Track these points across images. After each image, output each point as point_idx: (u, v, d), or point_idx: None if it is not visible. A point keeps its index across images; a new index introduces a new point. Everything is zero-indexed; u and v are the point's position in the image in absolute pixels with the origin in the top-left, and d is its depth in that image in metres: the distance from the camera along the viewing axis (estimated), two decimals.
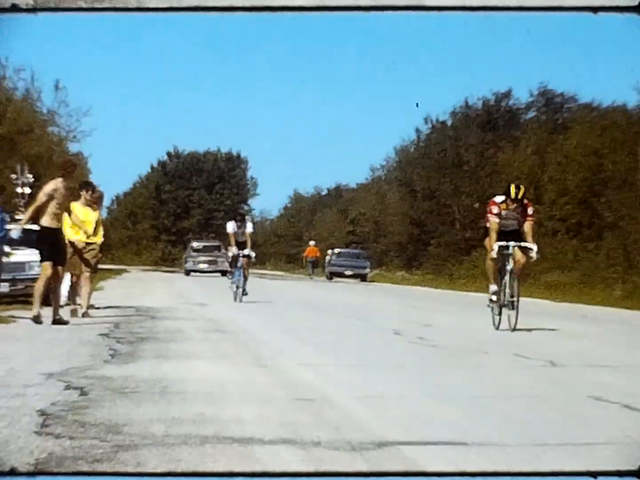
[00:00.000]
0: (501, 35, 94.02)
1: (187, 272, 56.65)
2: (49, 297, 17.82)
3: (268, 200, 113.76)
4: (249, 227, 26.99)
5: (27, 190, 36.94)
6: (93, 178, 43.11)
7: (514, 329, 17.99)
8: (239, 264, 25.86)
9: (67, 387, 9.89)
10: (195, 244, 61.40)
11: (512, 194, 18.32)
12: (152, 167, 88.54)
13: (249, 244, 26.57)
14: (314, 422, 8.17)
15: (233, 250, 26.29)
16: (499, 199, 18.78)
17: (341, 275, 58.99)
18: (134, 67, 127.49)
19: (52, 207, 17.35)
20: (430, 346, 16.12)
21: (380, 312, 26.48)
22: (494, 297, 18.60)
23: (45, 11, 4.34)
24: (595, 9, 4.66)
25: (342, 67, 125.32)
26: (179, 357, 13.21)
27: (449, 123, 64.85)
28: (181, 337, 16.79)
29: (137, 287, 36.76)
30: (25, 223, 18.33)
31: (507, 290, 18.27)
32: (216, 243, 61.79)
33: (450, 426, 8.01)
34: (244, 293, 26.05)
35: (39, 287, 17.86)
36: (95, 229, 20.08)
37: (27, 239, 19.54)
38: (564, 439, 7.72)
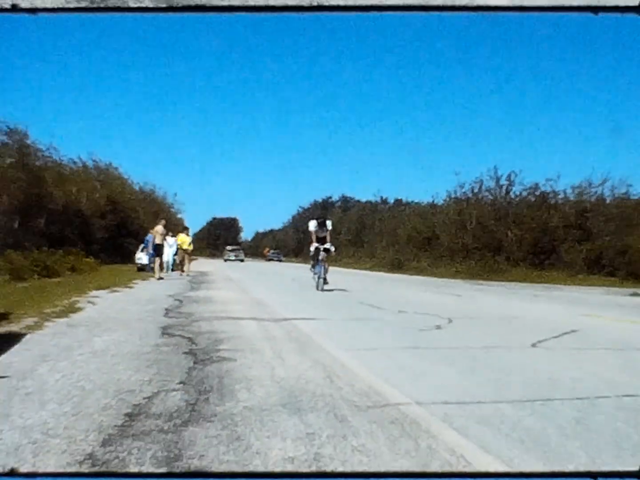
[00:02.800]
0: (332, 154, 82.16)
1: (225, 260, 49.91)
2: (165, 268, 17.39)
3: (248, 234, 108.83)
4: (329, 225, 12.76)
5: None
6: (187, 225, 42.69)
7: None
8: (320, 257, 12.47)
9: (175, 300, 9.65)
10: (228, 247, 55.42)
11: None
12: (206, 223, 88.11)
13: (328, 239, 12.60)
14: (262, 311, 8.04)
15: (314, 245, 12.53)
16: None
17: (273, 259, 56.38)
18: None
19: (158, 236, 16.71)
20: (299, 283, 15.97)
21: (289, 272, 26.04)
22: None
23: (45, 11, 1.94)
24: (595, 9, 2.22)
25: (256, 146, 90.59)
26: (214, 289, 12.93)
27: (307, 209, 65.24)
28: (215, 281, 16.43)
29: (201, 265, 35.80)
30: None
31: None
32: (238, 247, 56.82)
33: (309, 313, 7.95)
34: (325, 282, 12.46)
35: (155, 266, 16.87)
36: (189, 244, 19.86)
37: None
38: (351, 317, 7.67)
